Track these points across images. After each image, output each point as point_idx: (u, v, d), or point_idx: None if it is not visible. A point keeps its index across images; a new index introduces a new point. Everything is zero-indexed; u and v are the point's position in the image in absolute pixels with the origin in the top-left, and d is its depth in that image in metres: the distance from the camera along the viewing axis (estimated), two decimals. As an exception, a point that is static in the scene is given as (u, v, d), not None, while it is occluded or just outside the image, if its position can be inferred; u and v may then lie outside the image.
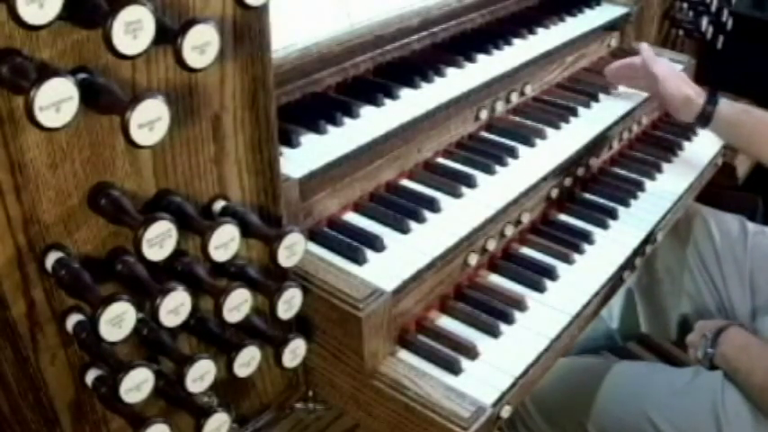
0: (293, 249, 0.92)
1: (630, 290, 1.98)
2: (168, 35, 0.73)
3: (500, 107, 1.59)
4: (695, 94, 1.63)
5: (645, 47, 1.73)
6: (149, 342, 0.89)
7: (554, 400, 1.71)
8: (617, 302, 2.04)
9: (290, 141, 1.21)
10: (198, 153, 0.90)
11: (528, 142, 1.51)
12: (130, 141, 0.72)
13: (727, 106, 1.62)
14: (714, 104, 1.61)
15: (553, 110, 1.65)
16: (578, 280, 1.35)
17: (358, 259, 1.15)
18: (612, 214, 1.53)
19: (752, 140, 1.63)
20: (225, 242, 0.85)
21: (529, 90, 1.66)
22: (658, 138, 1.86)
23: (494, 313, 1.24)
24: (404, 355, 1.15)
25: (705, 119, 1.63)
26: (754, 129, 1.61)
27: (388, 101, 1.38)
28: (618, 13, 1.94)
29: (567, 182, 1.54)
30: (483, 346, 1.18)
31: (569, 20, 1.85)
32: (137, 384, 0.80)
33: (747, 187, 2.23)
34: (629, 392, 1.64)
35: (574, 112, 1.65)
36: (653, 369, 1.78)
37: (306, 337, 0.98)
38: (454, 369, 1.13)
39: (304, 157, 1.19)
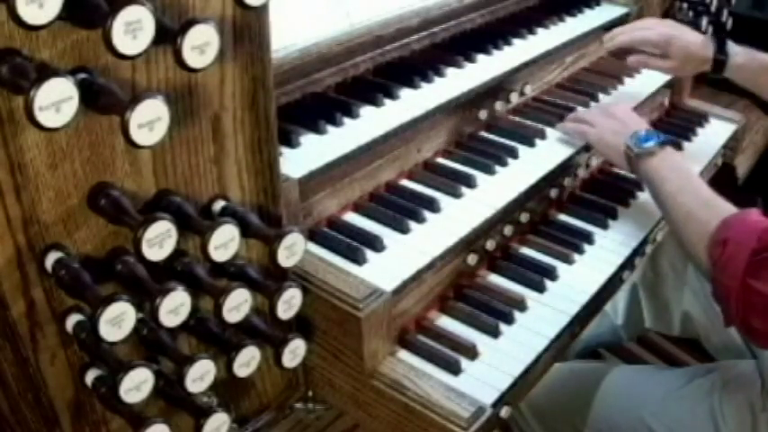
0: (293, 249, 0.92)
1: (635, 286, 1.99)
2: (168, 35, 0.73)
3: (500, 107, 1.59)
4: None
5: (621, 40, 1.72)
6: (149, 342, 0.88)
7: (550, 404, 1.71)
8: (622, 299, 2.05)
9: (290, 141, 1.21)
10: (198, 153, 0.90)
11: (528, 142, 1.51)
12: (130, 141, 0.72)
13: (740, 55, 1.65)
14: (725, 55, 1.65)
15: (553, 110, 1.65)
16: (578, 280, 1.35)
17: (358, 259, 1.15)
18: (612, 214, 1.53)
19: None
20: (225, 242, 0.85)
21: (529, 90, 1.66)
22: (658, 138, 1.86)
23: (494, 313, 1.24)
24: (404, 355, 1.15)
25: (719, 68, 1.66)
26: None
27: (387, 101, 1.37)
28: (618, 13, 1.94)
29: (567, 182, 1.54)
30: (483, 346, 1.18)
31: (569, 20, 1.85)
32: (137, 384, 0.80)
33: (747, 187, 2.23)
34: (626, 397, 1.64)
35: (573, 112, 1.65)
36: (649, 373, 1.78)
37: (306, 337, 0.97)
38: (454, 369, 1.13)
39: (304, 157, 1.19)
